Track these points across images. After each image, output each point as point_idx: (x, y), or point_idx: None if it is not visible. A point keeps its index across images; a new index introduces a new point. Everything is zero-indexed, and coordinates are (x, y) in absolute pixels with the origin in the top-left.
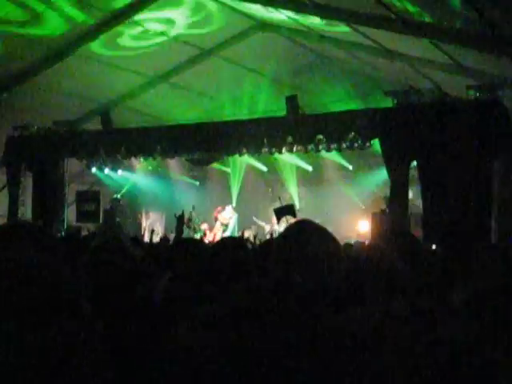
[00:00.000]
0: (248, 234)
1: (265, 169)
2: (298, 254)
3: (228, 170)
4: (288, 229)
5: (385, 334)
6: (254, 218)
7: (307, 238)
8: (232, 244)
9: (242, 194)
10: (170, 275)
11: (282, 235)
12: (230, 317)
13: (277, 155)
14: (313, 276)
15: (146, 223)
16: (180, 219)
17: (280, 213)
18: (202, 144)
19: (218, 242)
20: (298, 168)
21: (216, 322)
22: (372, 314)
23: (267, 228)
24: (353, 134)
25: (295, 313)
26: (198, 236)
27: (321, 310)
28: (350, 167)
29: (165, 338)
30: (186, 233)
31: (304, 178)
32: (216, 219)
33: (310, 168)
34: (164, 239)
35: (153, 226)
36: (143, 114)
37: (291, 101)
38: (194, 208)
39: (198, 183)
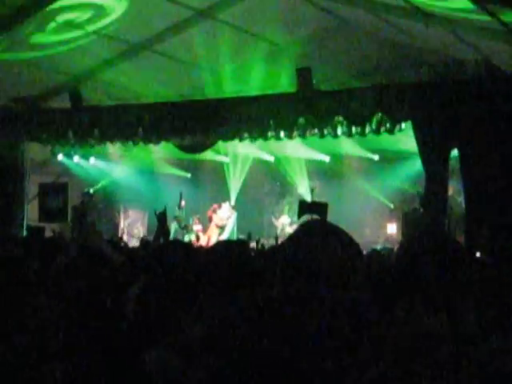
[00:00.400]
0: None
1: (271, 158)
2: (308, 262)
3: (226, 159)
4: (297, 231)
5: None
6: (274, 220)
7: (319, 241)
8: (231, 248)
9: (243, 189)
10: (143, 284)
11: (289, 238)
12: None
13: (286, 141)
14: (325, 289)
15: (124, 223)
16: (161, 218)
17: (307, 209)
18: (194, 126)
19: (213, 245)
20: (312, 158)
21: (192, 349)
22: (407, 335)
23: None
24: (379, 115)
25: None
26: (189, 239)
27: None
28: (376, 157)
29: (132, 364)
30: (173, 233)
31: (319, 171)
32: (210, 219)
33: (326, 158)
34: (144, 243)
35: (132, 227)
36: (121, 90)
37: (303, 74)
38: (181, 196)
39: (189, 175)
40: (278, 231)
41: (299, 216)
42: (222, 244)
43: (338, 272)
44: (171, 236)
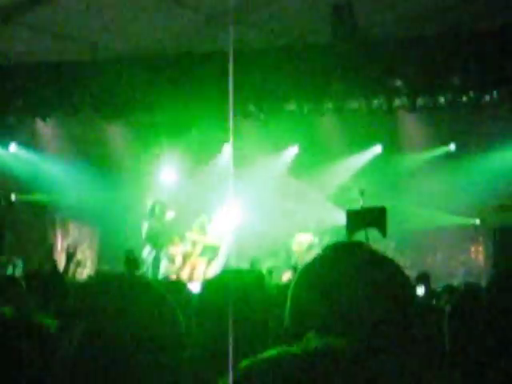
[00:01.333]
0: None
1: (293, 147)
2: (333, 307)
3: (224, 143)
4: (314, 261)
5: None
6: (296, 238)
7: (345, 279)
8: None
9: (247, 188)
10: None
11: (305, 269)
12: None
13: (312, 117)
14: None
15: (61, 244)
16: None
17: (359, 220)
18: (172, 96)
19: (210, 280)
20: (353, 140)
21: None
22: None
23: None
24: (458, 78)
25: None
26: (163, 268)
27: None
28: (452, 146)
29: None
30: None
31: (365, 165)
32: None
33: (378, 148)
34: (97, 276)
35: (75, 250)
36: (64, 37)
37: (341, 13)
38: (156, 206)
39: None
40: (295, 257)
41: (350, 232)
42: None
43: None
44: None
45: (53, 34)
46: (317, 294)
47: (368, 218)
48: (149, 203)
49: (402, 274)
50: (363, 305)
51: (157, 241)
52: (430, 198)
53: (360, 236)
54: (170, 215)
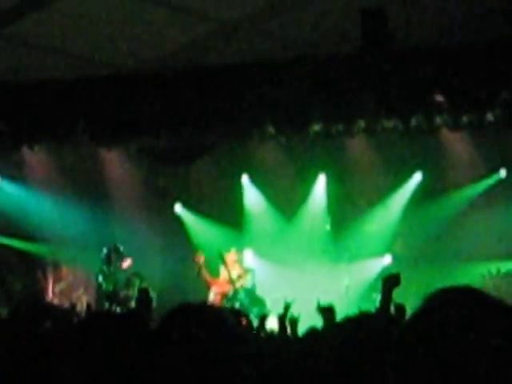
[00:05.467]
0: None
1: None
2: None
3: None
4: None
5: None
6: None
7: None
8: None
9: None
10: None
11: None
12: None
13: (340, 139)
14: None
15: (54, 288)
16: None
17: (392, 284)
18: (181, 115)
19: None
20: (388, 166)
21: None
22: None
23: None
24: (508, 92)
25: None
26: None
27: None
28: (502, 171)
29: None
30: None
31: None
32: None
33: (418, 175)
34: (92, 315)
35: (70, 294)
36: (53, 51)
37: (373, 19)
38: (116, 249)
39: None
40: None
41: (387, 297)
42: None
43: None
44: None
45: (40, 47)
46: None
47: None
48: (103, 250)
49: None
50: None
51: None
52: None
53: None
54: (126, 264)
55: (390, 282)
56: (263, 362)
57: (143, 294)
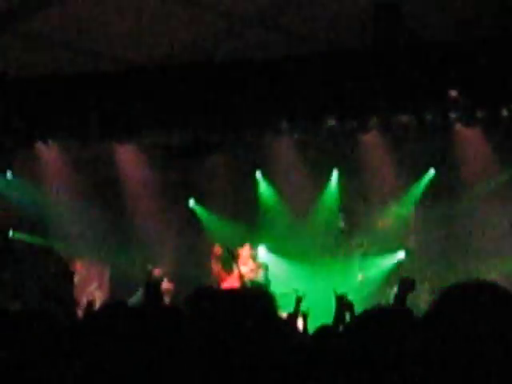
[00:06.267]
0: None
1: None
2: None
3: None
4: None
5: None
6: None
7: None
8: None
9: (280, 223)
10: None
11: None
12: None
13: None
14: None
15: None
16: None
17: (407, 288)
18: (192, 111)
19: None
20: (403, 159)
21: None
22: None
23: None
24: None
25: None
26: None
27: None
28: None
29: None
30: None
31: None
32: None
33: (431, 172)
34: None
35: (82, 291)
36: (66, 47)
37: (386, 14)
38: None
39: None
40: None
41: (402, 298)
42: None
43: None
44: None
45: (52, 43)
46: None
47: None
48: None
49: None
50: None
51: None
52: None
53: None
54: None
55: (405, 286)
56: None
57: (151, 287)
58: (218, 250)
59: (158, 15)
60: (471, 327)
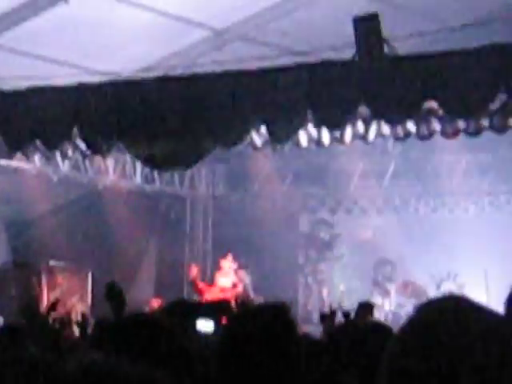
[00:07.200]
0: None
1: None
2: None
3: None
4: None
5: None
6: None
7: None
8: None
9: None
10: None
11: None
12: None
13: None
14: None
15: (48, 294)
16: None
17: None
18: (171, 120)
19: None
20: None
21: None
22: None
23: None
24: (505, 96)
25: None
26: None
27: None
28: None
29: None
30: None
31: (401, 187)
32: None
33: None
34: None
35: (65, 303)
36: (47, 59)
37: (367, 25)
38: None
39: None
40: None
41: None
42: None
43: None
44: None
45: (33, 55)
46: None
47: None
48: None
49: None
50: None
51: None
52: None
53: None
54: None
55: (364, 310)
56: None
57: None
58: (193, 269)
59: (140, 27)
60: (447, 340)
